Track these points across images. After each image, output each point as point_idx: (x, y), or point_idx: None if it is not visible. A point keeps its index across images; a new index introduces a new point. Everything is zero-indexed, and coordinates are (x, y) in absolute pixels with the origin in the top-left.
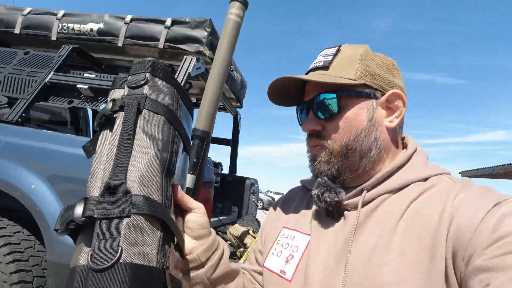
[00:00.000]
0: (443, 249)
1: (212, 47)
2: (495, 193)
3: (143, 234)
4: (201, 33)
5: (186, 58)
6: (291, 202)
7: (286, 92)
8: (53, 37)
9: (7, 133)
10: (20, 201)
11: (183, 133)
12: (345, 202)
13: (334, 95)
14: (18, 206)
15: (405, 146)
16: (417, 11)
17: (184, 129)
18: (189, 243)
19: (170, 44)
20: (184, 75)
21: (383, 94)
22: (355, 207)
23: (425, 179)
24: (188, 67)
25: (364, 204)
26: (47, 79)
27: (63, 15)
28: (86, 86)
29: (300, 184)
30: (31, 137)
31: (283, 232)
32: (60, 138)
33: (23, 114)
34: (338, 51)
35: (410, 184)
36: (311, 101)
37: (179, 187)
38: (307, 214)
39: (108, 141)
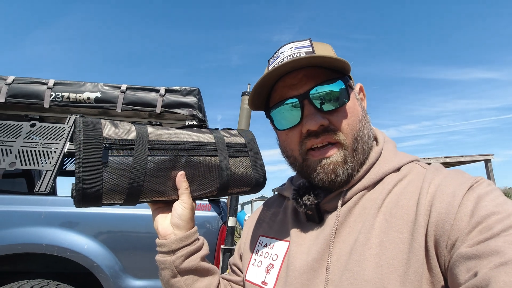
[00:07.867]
0: (421, 239)
1: (201, 110)
2: (466, 176)
3: None
4: (192, 100)
5: (188, 123)
6: (268, 211)
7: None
8: (46, 105)
9: (43, 203)
10: (77, 261)
11: None
12: (325, 204)
13: (342, 82)
14: (59, 267)
15: (374, 138)
16: (312, 28)
17: None
18: (166, 227)
19: (166, 109)
20: None
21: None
22: (334, 208)
23: (398, 169)
24: None
25: (343, 203)
26: (65, 150)
27: (54, 84)
28: None
29: (275, 193)
30: (66, 204)
31: (261, 241)
32: None
33: (53, 184)
34: (311, 41)
35: (384, 177)
36: (306, 94)
37: (184, 174)
38: (285, 221)
39: None
